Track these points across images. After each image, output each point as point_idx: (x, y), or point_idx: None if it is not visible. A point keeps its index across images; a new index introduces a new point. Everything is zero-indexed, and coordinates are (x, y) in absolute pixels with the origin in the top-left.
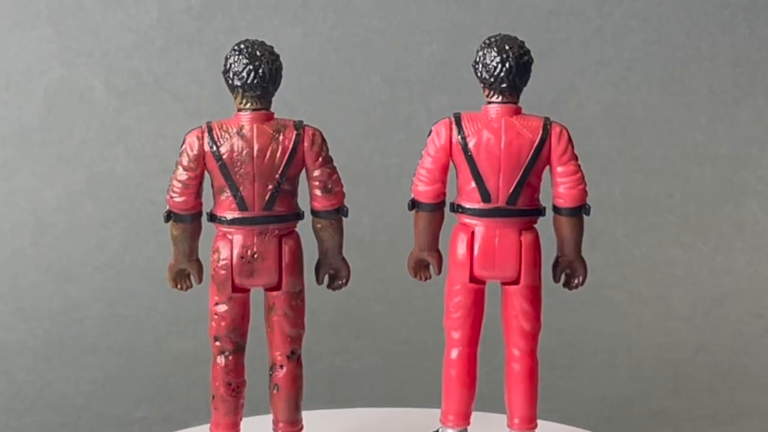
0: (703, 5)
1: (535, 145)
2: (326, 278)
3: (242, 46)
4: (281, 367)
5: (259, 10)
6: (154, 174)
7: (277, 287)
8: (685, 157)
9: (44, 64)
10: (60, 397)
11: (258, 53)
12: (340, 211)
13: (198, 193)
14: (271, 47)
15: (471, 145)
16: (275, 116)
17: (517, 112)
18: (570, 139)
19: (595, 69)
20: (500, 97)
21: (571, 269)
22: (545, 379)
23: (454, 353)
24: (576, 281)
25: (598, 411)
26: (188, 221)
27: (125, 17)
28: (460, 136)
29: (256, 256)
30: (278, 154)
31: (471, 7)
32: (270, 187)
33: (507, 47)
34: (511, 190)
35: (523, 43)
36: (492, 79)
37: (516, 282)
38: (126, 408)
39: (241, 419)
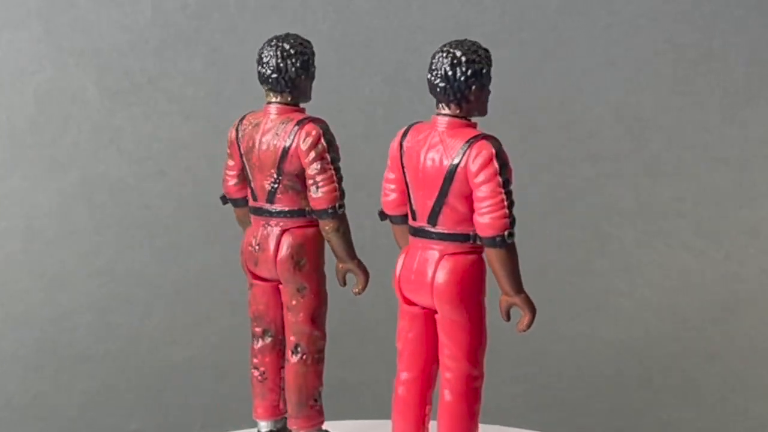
0: (714, 3)
1: (450, 165)
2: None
3: (271, 38)
4: (287, 360)
5: (257, 9)
6: (149, 177)
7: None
8: (696, 159)
9: (35, 63)
10: (51, 408)
11: (271, 46)
12: (328, 212)
13: (238, 181)
14: (294, 41)
15: (405, 157)
16: (301, 111)
17: (458, 125)
18: (491, 161)
19: (603, 69)
20: (444, 108)
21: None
22: (553, 389)
23: (399, 378)
24: (519, 324)
25: (607, 422)
26: (235, 206)
27: (119, 15)
28: (400, 147)
29: (258, 246)
30: (277, 149)
31: (475, 6)
32: (270, 180)
33: (444, 54)
34: (429, 211)
35: (470, 49)
36: (429, 87)
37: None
38: (120, 419)
39: (276, 406)
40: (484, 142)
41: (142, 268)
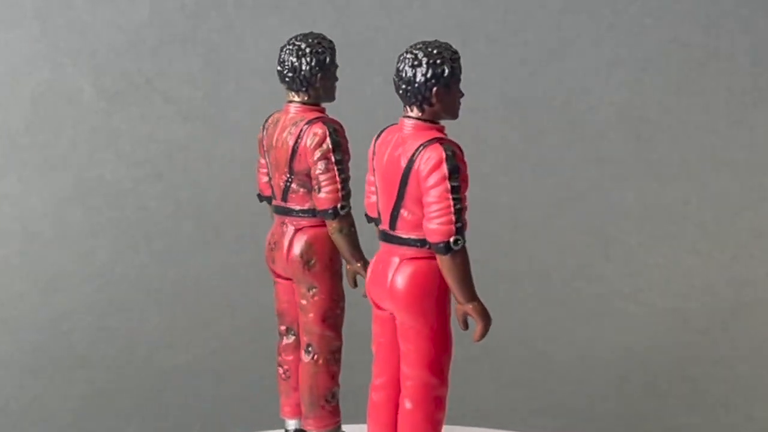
0: (721, 3)
1: (404, 168)
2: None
3: (291, 37)
4: (301, 360)
5: (255, 8)
6: (146, 179)
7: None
8: (702, 162)
9: (30, 64)
10: (47, 413)
11: (289, 44)
12: (330, 213)
13: (268, 179)
14: (311, 40)
15: (375, 159)
16: (318, 111)
17: (422, 128)
18: (440, 165)
19: (608, 70)
20: (409, 110)
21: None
22: (557, 395)
23: (373, 383)
24: (474, 334)
25: (611, 427)
26: (268, 203)
27: (115, 15)
28: (374, 149)
29: (275, 244)
30: (288, 147)
31: (478, 5)
32: (284, 178)
33: (406, 56)
34: (389, 214)
35: (432, 50)
36: (395, 89)
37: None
38: (116, 424)
39: (300, 405)
40: (436, 145)
41: (140, 271)
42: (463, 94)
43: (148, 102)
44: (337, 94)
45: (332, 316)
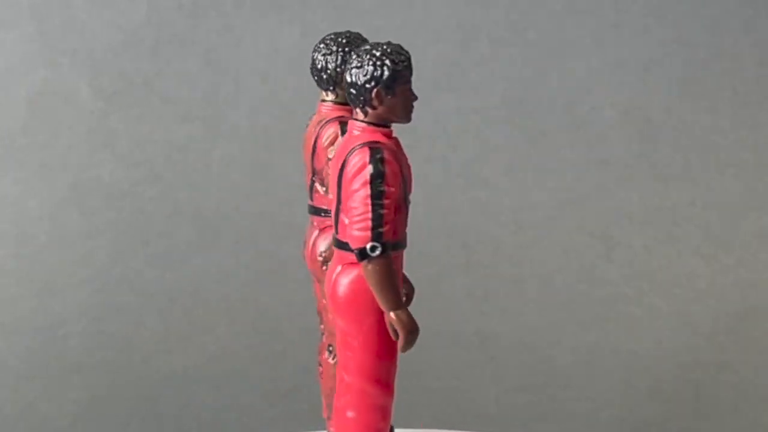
0: (725, 2)
1: (338, 173)
2: None
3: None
4: (325, 359)
5: (254, 8)
6: (144, 181)
7: None
8: (706, 163)
9: (26, 64)
10: (42, 419)
11: (318, 43)
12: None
13: None
14: (339, 39)
15: None
16: (343, 110)
17: (364, 130)
18: (363, 169)
19: (611, 70)
20: (356, 113)
21: None
22: (559, 401)
23: None
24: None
25: None
26: None
27: (113, 14)
28: None
29: (304, 243)
30: (309, 146)
31: (479, 5)
32: (309, 177)
33: (352, 57)
34: (335, 219)
35: (373, 53)
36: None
37: None
38: (113, 430)
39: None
40: (364, 149)
41: (137, 274)
42: (415, 97)
43: (146, 102)
44: None
45: None
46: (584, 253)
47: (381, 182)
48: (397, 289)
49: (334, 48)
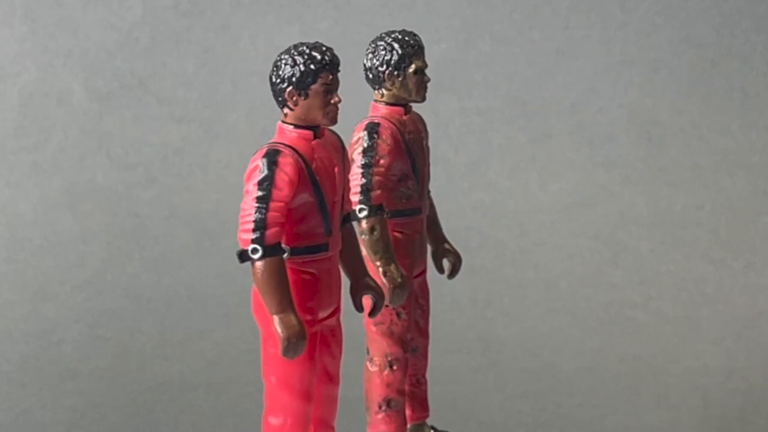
0: (735, 1)
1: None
2: None
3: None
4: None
5: (252, 7)
6: (139, 184)
7: None
8: (715, 165)
9: (18, 64)
10: (36, 427)
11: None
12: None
13: None
14: (385, 37)
15: None
16: (380, 108)
17: (280, 131)
18: (252, 171)
19: (618, 70)
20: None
21: None
22: (564, 407)
23: None
24: None
25: None
26: None
27: (107, 14)
28: None
29: None
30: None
31: (482, 3)
32: None
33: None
34: None
35: (289, 51)
36: None
37: None
38: None
39: None
40: (260, 151)
41: (132, 278)
42: (331, 98)
43: (141, 104)
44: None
45: (382, 322)
46: (590, 257)
47: (267, 185)
48: (282, 292)
49: (375, 45)
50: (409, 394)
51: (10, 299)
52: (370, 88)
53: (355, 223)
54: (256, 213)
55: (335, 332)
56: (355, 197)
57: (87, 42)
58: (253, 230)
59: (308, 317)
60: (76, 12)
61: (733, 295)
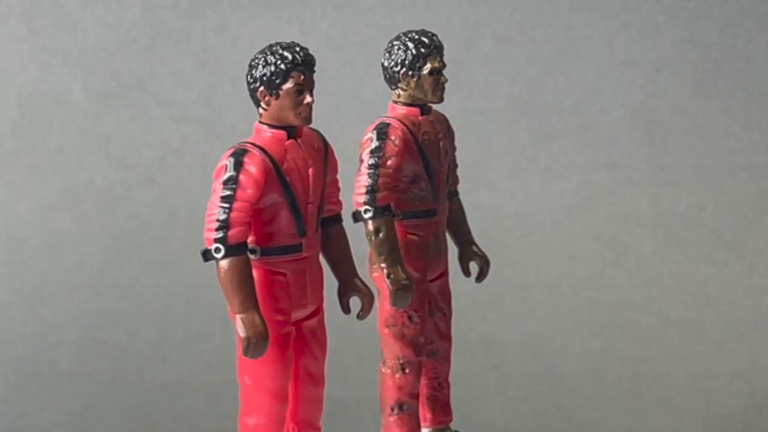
0: (738, 1)
1: None
2: None
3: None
4: None
5: (251, 6)
6: (138, 185)
7: None
8: (718, 166)
9: (16, 64)
10: (34, 430)
11: None
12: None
13: None
14: (404, 36)
15: None
16: (397, 108)
17: (256, 130)
18: (219, 171)
19: (620, 70)
20: None
21: None
22: (566, 409)
23: None
24: None
25: None
26: None
27: (105, 13)
28: None
29: None
30: None
31: (484, 2)
32: None
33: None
34: None
35: (260, 51)
36: None
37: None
38: None
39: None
40: (228, 151)
41: (131, 280)
42: (303, 98)
43: (140, 104)
44: (336, 97)
45: (394, 325)
46: (591, 258)
47: (231, 186)
48: (245, 292)
49: (390, 45)
50: (431, 397)
51: (7, 301)
52: (371, 88)
53: (361, 224)
54: (220, 213)
55: (316, 333)
56: (360, 198)
57: (85, 42)
58: (217, 230)
59: (279, 318)
60: (74, 12)
61: (737, 296)
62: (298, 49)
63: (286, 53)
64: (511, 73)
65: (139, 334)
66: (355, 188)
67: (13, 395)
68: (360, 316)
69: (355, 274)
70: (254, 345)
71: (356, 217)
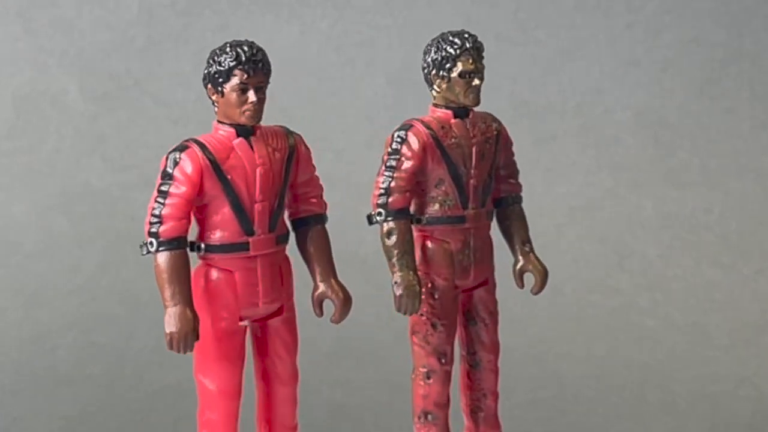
0: (744, 0)
1: None
2: None
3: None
4: None
5: (251, 5)
6: (135, 186)
7: None
8: (724, 168)
9: (12, 65)
10: None
11: None
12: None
13: None
14: (439, 36)
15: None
16: (433, 108)
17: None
18: (162, 166)
19: (625, 70)
20: None
21: None
22: (570, 414)
23: None
24: None
25: None
26: None
27: (102, 13)
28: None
29: None
30: None
31: (486, 2)
32: None
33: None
34: None
35: (213, 51)
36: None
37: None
38: None
39: None
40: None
41: (128, 283)
42: (246, 97)
43: (137, 104)
44: (337, 97)
45: (420, 332)
46: (596, 261)
47: (167, 181)
48: (176, 286)
49: (427, 46)
50: (474, 408)
51: (2, 305)
52: (371, 88)
53: (376, 226)
54: (156, 207)
55: (281, 332)
56: (375, 199)
57: (82, 42)
58: (151, 223)
59: (224, 314)
60: (71, 11)
61: (744, 300)
62: (245, 48)
63: (232, 52)
64: (513, 73)
65: (137, 338)
66: (373, 188)
67: (9, 400)
68: (332, 320)
69: (332, 276)
70: (177, 339)
71: (369, 219)
